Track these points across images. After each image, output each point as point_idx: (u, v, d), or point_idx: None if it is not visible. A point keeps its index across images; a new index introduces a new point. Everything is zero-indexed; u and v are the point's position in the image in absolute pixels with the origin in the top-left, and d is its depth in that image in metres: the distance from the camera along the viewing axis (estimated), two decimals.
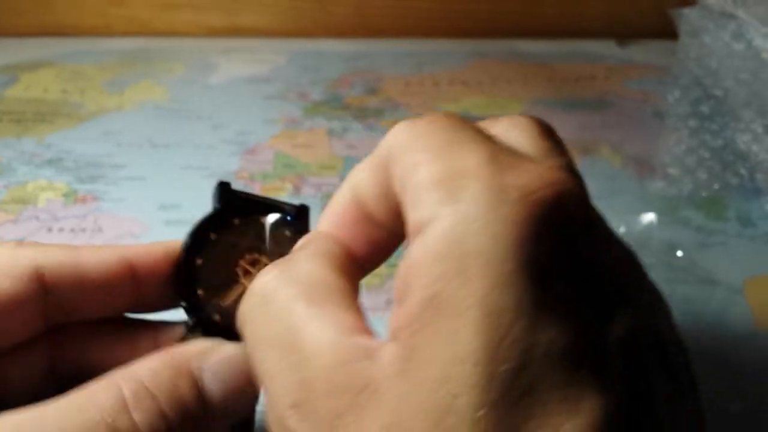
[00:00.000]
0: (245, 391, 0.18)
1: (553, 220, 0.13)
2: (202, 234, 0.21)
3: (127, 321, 0.21)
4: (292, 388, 0.14)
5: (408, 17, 0.53)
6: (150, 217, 0.36)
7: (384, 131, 0.48)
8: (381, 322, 0.32)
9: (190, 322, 0.20)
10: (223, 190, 0.22)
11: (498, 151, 0.15)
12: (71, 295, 0.19)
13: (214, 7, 0.53)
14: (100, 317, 0.21)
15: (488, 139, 0.15)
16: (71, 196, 0.37)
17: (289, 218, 0.22)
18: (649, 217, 0.36)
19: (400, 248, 0.20)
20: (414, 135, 0.16)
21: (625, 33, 0.53)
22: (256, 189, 0.38)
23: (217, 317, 0.20)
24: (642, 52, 0.52)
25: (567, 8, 0.52)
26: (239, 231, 0.21)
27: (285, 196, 0.37)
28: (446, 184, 0.14)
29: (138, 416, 0.16)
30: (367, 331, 0.15)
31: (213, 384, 0.17)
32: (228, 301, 0.20)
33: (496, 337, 0.12)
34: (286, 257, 0.18)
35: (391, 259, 0.34)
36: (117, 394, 0.16)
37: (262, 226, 0.21)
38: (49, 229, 0.35)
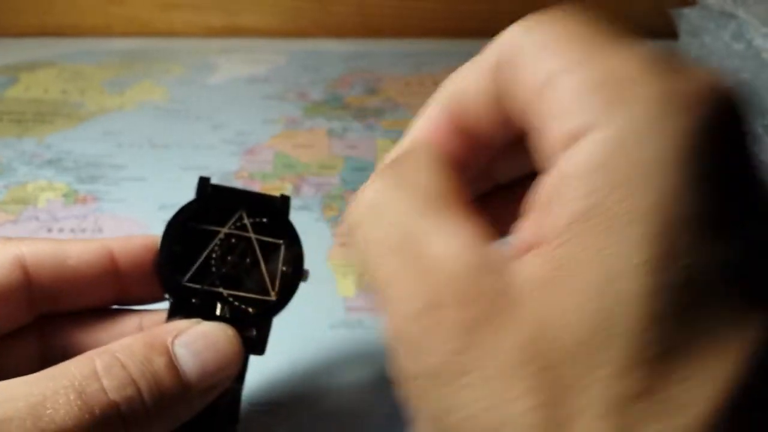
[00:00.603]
0: (223, 367, 0.18)
1: (727, 132, 0.13)
2: (180, 223, 0.21)
3: (113, 310, 0.22)
4: (418, 295, 0.13)
5: (407, 17, 0.53)
6: (150, 218, 0.36)
7: (384, 131, 0.48)
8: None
9: (171, 307, 0.20)
10: (203, 183, 0.22)
11: (656, 54, 0.13)
12: (54, 282, 0.20)
13: (214, 7, 0.53)
14: (87, 307, 0.21)
15: (638, 42, 0.14)
16: (71, 197, 0.37)
17: (268, 206, 0.22)
18: None
19: None
20: (543, 37, 0.14)
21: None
22: (256, 188, 0.38)
23: (196, 301, 0.20)
24: None
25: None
26: (217, 220, 0.22)
27: None
28: (605, 91, 0.13)
29: (107, 382, 0.16)
30: (493, 239, 0.14)
31: (187, 358, 0.17)
32: (205, 285, 0.21)
33: (662, 251, 0.12)
34: (391, 163, 0.16)
35: None
36: (89, 365, 0.16)
37: (241, 215, 0.22)
38: (49, 230, 0.35)
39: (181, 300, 0.20)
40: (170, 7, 0.52)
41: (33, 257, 0.20)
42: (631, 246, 0.12)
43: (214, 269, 0.21)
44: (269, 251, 0.22)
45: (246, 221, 0.22)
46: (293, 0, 0.52)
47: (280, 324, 0.22)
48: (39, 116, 0.43)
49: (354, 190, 0.38)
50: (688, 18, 0.44)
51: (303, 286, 0.22)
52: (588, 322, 0.12)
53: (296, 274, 0.22)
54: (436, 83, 0.50)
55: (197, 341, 0.18)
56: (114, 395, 0.16)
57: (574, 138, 0.13)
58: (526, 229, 0.14)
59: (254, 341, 0.21)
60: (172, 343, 0.18)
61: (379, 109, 0.45)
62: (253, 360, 0.22)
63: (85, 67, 0.49)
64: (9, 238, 0.20)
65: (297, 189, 0.38)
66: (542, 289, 0.12)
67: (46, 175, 0.38)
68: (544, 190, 0.14)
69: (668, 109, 0.12)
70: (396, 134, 0.42)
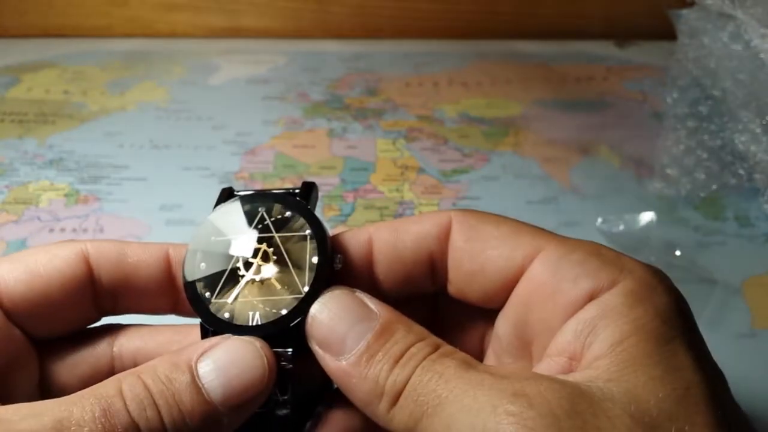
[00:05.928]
0: (251, 382, 0.18)
1: (685, 306, 0.19)
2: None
3: (183, 325, 0.22)
4: None
5: (407, 18, 0.53)
6: (151, 218, 0.36)
7: (384, 131, 0.48)
8: None
9: (202, 326, 0.20)
10: (224, 194, 0.21)
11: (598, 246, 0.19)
12: (114, 277, 0.20)
13: (214, 9, 0.53)
14: (147, 311, 0.21)
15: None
16: (73, 197, 0.37)
17: (287, 200, 0.21)
18: (647, 216, 0.36)
19: None
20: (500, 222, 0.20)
21: (623, 34, 0.54)
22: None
23: (226, 315, 0.19)
24: (640, 53, 0.52)
25: (566, 9, 0.53)
26: (240, 227, 0.21)
27: None
28: (608, 264, 0.18)
29: (129, 402, 0.16)
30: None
31: (211, 376, 0.17)
32: (232, 297, 0.20)
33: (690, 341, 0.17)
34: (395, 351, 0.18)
35: None
36: (116, 385, 0.16)
37: (262, 215, 0.21)
38: (51, 230, 0.35)
39: (212, 318, 0.19)
40: (171, 8, 0.53)
41: (95, 251, 0.20)
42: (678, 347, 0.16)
43: (241, 279, 0.20)
44: (295, 245, 0.20)
45: (268, 221, 0.21)
46: (293, 1, 0.53)
47: None
48: (41, 117, 0.44)
49: (354, 189, 0.38)
50: (686, 19, 0.44)
51: None
52: (674, 390, 0.15)
53: (323, 263, 0.20)
54: (435, 84, 0.50)
55: (221, 357, 0.18)
56: (135, 415, 0.16)
57: (595, 294, 0.17)
58: (559, 354, 0.17)
59: (295, 344, 0.19)
60: (197, 361, 0.17)
61: (379, 109, 0.45)
62: None
63: (87, 68, 0.49)
64: (74, 239, 0.21)
65: None
66: (618, 383, 0.15)
67: (48, 175, 0.38)
68: (572, 328, 0.17)
69: (653, 282, 0.18)
70: (395, 134, 0.42)
